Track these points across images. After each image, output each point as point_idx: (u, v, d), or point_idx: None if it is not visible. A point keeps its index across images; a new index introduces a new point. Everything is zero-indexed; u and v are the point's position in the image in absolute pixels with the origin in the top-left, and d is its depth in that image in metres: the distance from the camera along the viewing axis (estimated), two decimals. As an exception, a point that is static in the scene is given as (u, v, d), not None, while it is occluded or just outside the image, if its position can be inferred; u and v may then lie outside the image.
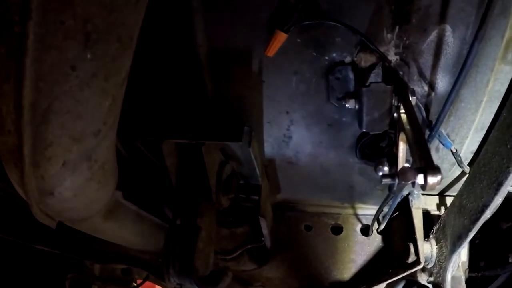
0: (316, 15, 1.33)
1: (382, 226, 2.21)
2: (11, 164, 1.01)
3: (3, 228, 1.90)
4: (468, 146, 1.65)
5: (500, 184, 1.26)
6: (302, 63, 1.49)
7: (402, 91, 1.38)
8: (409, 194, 1.98)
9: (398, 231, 2.17)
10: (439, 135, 1.61)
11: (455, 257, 1.61)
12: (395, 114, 1.42)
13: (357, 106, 1.47)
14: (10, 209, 1.84)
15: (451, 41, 1.37)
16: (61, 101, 0.91)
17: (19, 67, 0.82)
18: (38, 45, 0.80)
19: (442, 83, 1.48)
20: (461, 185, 1.60)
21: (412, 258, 1.83)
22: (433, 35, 1.36)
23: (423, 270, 1.87)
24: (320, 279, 2.31)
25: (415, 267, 1.81)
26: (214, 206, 1.78)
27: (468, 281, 2.02)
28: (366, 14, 1.34)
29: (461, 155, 1.67)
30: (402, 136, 1.36)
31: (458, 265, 1.91)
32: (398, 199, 1.91)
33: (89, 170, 1.14)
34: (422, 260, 1.78)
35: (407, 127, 1.29)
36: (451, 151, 1.64)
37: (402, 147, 1.40)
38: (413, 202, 1.96)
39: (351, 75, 1.48)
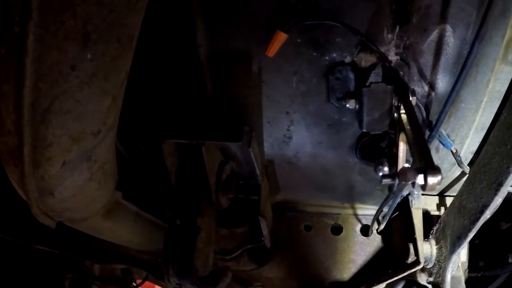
0: (316, 15, 1.33)
1: (382, 226, 2.21)
2: (11, 164, 1.00)
3: (3, 228, 1.90)
4: (468, 146, 1.65)
5: (500, 185, 1.26)
6: (302, 63, 1.49)
7: (402, 91, 1.38)
8: (409, 194, 1.98)
9: (398, 231, 2.17)
10: (439, 135, 1.61)
11: (454, 257, 1.61)
12: (395, 114, 1.42)
13: (357, 106, 1.47)
14: (10, 209, 1.84)
15: (452, 41, 1.37)
16: (61, 101, 0.91)
17: (19, 67, 0.82)
18: (38, 45, 0.80)
19: (443, 83, 1.48)
20: (461, 185, 1.60)
21: (411, 258, 1.82)
22: (433, 35, 1.36)
23: (423, 270, 1.87)
24: (320, 279, 2.31)
25: (414, 267, 1.81)
26: (214, 206, 1.78)
27: (467, 281, 2.02)
28: (367, 14, 1.34)
29: (461, 155, 1.67)
30: (402, 136, 1.36)
31: (458, 265, 1.91)
32: (398, 199, 1.91)
33: (88, 170, 1.14)
34: (421, 260, 1.78)
35: (407, 127, 1.29)
36: (451, 151, 1.64)
37: (402, 147, 1.40)
38: (413, 202, 1.96)
39: (351, 75, 1.48)
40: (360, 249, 2.31)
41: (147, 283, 2.48)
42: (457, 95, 1.42)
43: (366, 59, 1.43)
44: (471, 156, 1.71)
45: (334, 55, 1.45)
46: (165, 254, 1.66)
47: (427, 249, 1.81)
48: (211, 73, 1.56)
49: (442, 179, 1.01)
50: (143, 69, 1.48)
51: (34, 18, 0.78)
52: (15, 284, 2.34)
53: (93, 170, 1.16)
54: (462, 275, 1.97)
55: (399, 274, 1.89)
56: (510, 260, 1.87)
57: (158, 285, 2.71)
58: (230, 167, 1.83)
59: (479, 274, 2.07)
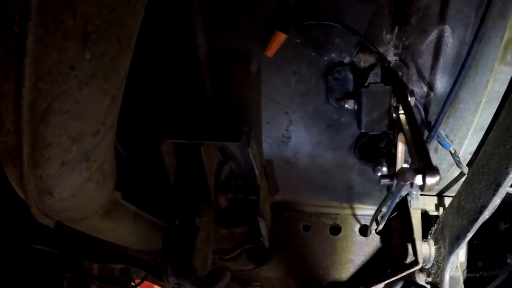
0: (316, 16, 1.33)
1: (381, 227, 2.21)
2: (10, 164, 1.00)
3: (2, 228, 1.90)
4: (467, 146, 1.65)
5: (498, 185, 1.26)
6: (301, 64, 1.49)
7: (401, 92, 1.38)
8: (407, 194, 1.98)
9: (396, 231, 2.18)
10: (438, 136, 1.61)
11: (453, 258, 1.62)
12: (394, 115, 1.42)
13: (356, 107, 1.47)
14: (9, 209, 1.84)
15: (450, 41, 1.37)
16: (60, 101, 0.91)
17: (19, 67, 0.82)
18: (37, 45, 0.80)
19: (441, 83, 1.49)
20: (459, 185, 1.60)
21: (410, 258, 1.83)
22: (432, 36, 1.37)
23: (421, 270, 1.87)
24: (319, 279, 2.31)
25: (413, 268, 1.81)
26: (213, 206, 1.78)
27: (466, 282, 2.02)
28: (366, 14, 1.34)
29: (459, 155, 1.67)
30: (401, 136, 1.36)
31: (457, 266, 1.92)
32: (397, 200, 1.91)
33: (87, 170, 1.14)
34: (420, 260, 1.78)
35: (406, 127, 1.29)
36: (450, 151, 1.64)
37: (401, 148, 1.40)
38: (412, 202, 1.96)
39: (350, 76, 1.48)
40: (358, 249, 2.31)
41: (146, 283, 2.48)
42: (456, 95, 1.42)
43: (365, 60, 1.43)
44: (469, 156, 1.72)
45: (333, 55, 1.45)
46: (164, 254, 1.66)
47: (426, 249, 1.81)
48: (210, 73, 1.56)
49: (440, 179, 1.01)
50: (142, 69, 1.48)
51: (34, 18, 0.78)
52: (14, 283, 2.33)
53: (92, 170, 1.16)
54: (460, 276, 1.97)
55: (397, 274, 1.89)
56: (508, 261, 1.88)
57: (157, 285, 2.71)
58: (229, 167, 1.84)
59: (478, 275, 2.07)
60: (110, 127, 1.12)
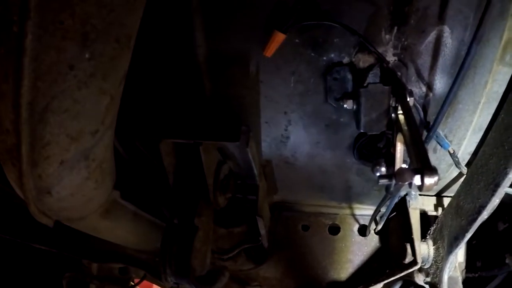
0: (315, 16, 1.33)
1: (380, 227, 2.21)
2: (8, 163, 1.01)
3: (1, 227, 1.90)
4: (466, 147, 1.65)
5: (497, 185, 1.26)
6: (300, 64, 1.49)
7: (400, 92, 1.38)
8: (406, 194, 1.98)
9: (395, 231, 2.18)
10: (436, 136, 1.61)
11: (452, 258, 1.62)
12: (393, 115, 1.42)
13: (355, 107, 1.47)
14: (8, 208, 1.84)
15: (449, 42, 1.37)
16: (59, 101, 0.91)
17: (18, 66, 0.82)
18: (36, 45, 0.81)
19: (440, 84, 1.49)
20: (458, 186, 1.60)
21: (409, 258, 1.82)
22: (431, 36, 1.37)
23: (420, 270, 1.87)
24: (317, 279, 2.31)
25: (412, 268, 1.81)
26: (212, 205, 1.78)
27: (465, 282, 2.02)
28: (365, 15, 1.34)
29: (458, 156, 1.67)
30: (399, 137, 1.36)
31: (455, 266, 1.92)
32: (396, 200, 1.91)
33: (86, 169, 1.14)
34: (419, 260, 1.78)
35: (405, 128, 1.30)
36: (449, 152, 1.64)
37: (400, 148, 1.40)
38: (411, 202, 1.96)
39: (349, 76, 1.48)
40: (357, 249, 2.31)
41: (145, 282, 2.47)
42: (455, 96, 1.42)
43: (364, 60, 1.44)
44: (468, 157, 1.72)
45: (332, 55, 1.45)
46: (163, 253, 1.66)
47: (425, 249, 1.81)
48: (209, 73, 1.56)
49: (439, 179, 1.01)
50: (141, 69, 1.48)
51: (33, 18, 0.78)
52: (13, 283, 2.33)
53: (90, 169, 1.16)
54: (459, 276, 1.97)
55: (396, 274, 1.89)
56: (507, 261, 1.87)
57: (156, 284, 2.71)
58: (228, 167, 1.84)
59: (476, 275, 2.07)
60: (109, 126, 1.13)
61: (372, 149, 1.72)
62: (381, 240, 2.30)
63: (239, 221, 2.10)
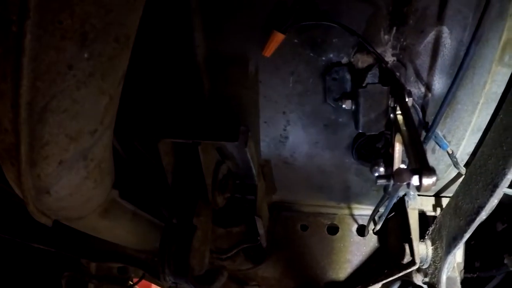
0: (314, 16, 1.33)
1: (378, 227, 2.21)
2: (7, 162, 1.01)
3: (0, 227, 1.90)
4: (465, 147, 1.66)
5: (495, 186, 1.26)
6: (299, 64, 1.49)
7: (398, 92, 1.38)
8: (405, 195, 1.98)
9: (393, 231, 2.18)
10: (435, 136, 1.61)
11: (450, 258, 1.62)
12: (391, 115, 1.42)
13: (353, 107, 1.47)
14: (6, 207, 1.84)
15: (448, 42, 1.37)
16: (58, 100, 0.91)
17: (17, 66, 0.82)
18: (35, 45, 0.81)
19: (439, 84, 1.49)
20: (457, 186, 1.61)
21: (407, 258, 1.83)
22: (430, 37, 1.37)
23: (418, 270, 1.87)
24: (316, 279, 2.31)
25: (410, 268, 1.81)
26: (210, 205, 1.78)
27: (463, 282, 2.03)
28: (364, 15, 1.34)
29: (457, 156, 1.68)
30: (398, 137, 1.36)
31: (454, 266, 1.92)
32: (394, 200, 1.91)
33: (85, 169, 1.14)
34: (417, 260, 1.78)
35: (403, 128, 1.29)
36: (447, 152, 1.64)
37: (398, 148, 1.40)
38: (409, 203, 1.96)
39: (348, 76, 1.48)
40: (356, 249, 2.31)
41: (143, 281, 2.48)
42: (454, 96, 1.42)
43: (362, 60, 1.44)
44: (467, 157, 1.72)
45: (331, 55, 1.45)
46: (161, 253, 1.66)
47: (423, 249, 1.81)
48: (208, 73, 1.56)
49: (437, 180, 1.01)
50: (140, 69, 1.48)
51: (32, 18, 0.78)
52: (12, 282, 2.33)
53: (89, 169, 1.16)
54: (457, 276, 1.97)
55: (394, 275, 1.89)
56: (505, 261, 1.87)
57: (155, 284, 2.71)
58: (226, 167, 1.84)
59: (475, 275, 2.07)
60: (108, 126, 1.13)
61: (370, 149, 1.73)
62: (379, 240, 2.30)
63: (237, 221, 2.10)
